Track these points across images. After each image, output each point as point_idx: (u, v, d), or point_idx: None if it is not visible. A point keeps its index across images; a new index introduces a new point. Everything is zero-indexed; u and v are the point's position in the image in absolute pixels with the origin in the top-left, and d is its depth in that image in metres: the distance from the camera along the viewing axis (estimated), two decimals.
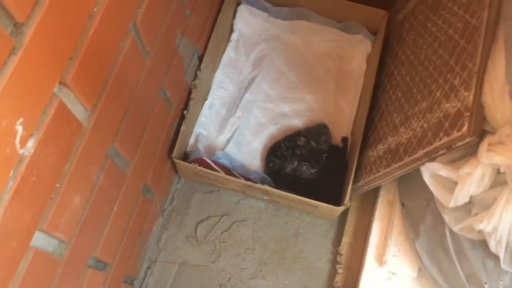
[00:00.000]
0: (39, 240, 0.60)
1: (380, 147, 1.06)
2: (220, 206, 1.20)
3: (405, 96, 1.02)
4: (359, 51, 1.33)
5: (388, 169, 0.96)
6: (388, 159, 0.98)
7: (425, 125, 0.86)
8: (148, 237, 1.11)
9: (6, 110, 0.47)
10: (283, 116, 1.28)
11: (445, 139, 0.76)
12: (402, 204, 1.04)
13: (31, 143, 0.53)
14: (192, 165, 1.06)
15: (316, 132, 1.22)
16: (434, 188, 0.81)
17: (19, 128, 0.50)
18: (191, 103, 1.11)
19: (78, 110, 0.63)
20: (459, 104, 0.76)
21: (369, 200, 1.19)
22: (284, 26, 1.35)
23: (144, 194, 0.99)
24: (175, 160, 1.06)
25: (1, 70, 0.46)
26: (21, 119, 0.50)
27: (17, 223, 0.54)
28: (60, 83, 0.57)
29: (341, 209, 1.06)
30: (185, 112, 1.09)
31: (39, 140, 0.54)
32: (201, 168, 1.06)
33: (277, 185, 1.14)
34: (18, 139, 0.51)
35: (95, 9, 0.61)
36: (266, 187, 1.05)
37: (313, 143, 1.19)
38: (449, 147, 0.76)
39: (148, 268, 1.12)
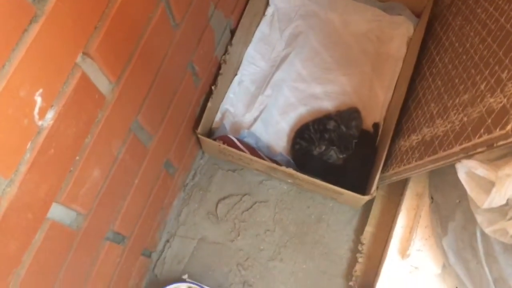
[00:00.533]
0: (56, 212, 0.59)
1: (413, 137, 1.01)
2: (242, 185, 1.18)
3: (446, 85, 0.96)
4: (399, 34, 1.26)
5: (420, 162, 0.92)
6: (421, 151, 0.93)
7: (465, 119, 0.81)
8: (168, 211, 1.11)
9: (25, 81, 0.46)
10: (314, 97, 1.23)
11: (485, 137, 0.71)
12: (432, 198, 0.99)
13: (50, 115, 0.52)
14: (217, 143, 1.04)
15: (347, 116, 1.17)
16: (468, 186, 0.76)
17: (38, 99, 0.49)
18: (219, 78, 1.08)
19: (102, 82, 0.61)
20: (505, 100, 0.71)
21: (397, 190, 1.14)
22: (323, 2, 1.29)
23: (166, 169, 0.98)
24: (200, 136, 1.04)
25: (20, 39, 0.44)
26: (41, 90, 0.49)
27: (33, 195, 0.53)
28: (84, 53, 0.55)
29: (366, 198, 1.02)
30: (213, 87, 1.07)
31: (59, 112, 0.53)
32: (225, 146, 1.04)
33: (302, 169, 1.11)
34: (36, 110, 0.49)
35: None
36: (290, 170, 1.02)
37: (343, 128, 1.14)
38: (489, 145, 0.71)
39: (167, 241, 1.12)
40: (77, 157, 0.60)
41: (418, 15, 1.25)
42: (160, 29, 0.73)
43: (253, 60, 1.25)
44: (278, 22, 1.29)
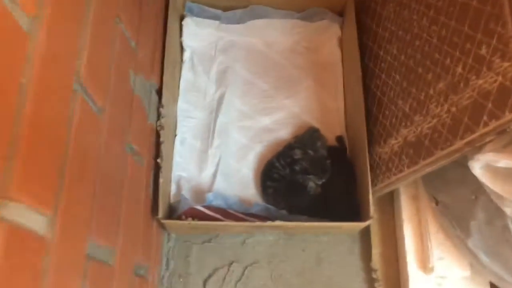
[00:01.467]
0: None
1: (392, 141, 0.91)
2: (224, 254, 1.02)
3: (407, 78, 0.88)
4: (328, 38, 1.18)
5: (415, 167, 0.82)
6: (410, 155, 0.84)
7: (453, 109, 0.73)
8: None
9: None
10: (265, 130, 1.11)
11: (494, 124, 0.63)
12: (436, 200, 0.90)
13: None
14: (186, 221, 0.88)
15: (309, 139, 1.06)
16: (489, 181, 0.67)
17: None
18: (162, 147, 0.92)
19: (35, 221, 0.45)
20: (500, 78, 0.63)
21: (386, 198, 1.05)
22: (240, 30, 1.17)
23: (138, 275, 0.80)
24: (164, 221, 0.87)
25: None
26: None
27: None
28: (2, 197, 0.39)
29: (366, 223, 0.91)
30: (158, 160, 0.91)
31: None
32: (196, 222, 0.88)
33: (284, 209, 0.98)
34: None
35: (23, 79, 0.42)
36: (279, 223, 0.89)
37: (311, 152, 1.02)
38: (501, 131, 0.63)
39: None
40: None
41: (341, 14, 1.18)
42: (85, 122, 0.57)
43: (187, 113, 1.10)
44: (200, 64, 1.15)
